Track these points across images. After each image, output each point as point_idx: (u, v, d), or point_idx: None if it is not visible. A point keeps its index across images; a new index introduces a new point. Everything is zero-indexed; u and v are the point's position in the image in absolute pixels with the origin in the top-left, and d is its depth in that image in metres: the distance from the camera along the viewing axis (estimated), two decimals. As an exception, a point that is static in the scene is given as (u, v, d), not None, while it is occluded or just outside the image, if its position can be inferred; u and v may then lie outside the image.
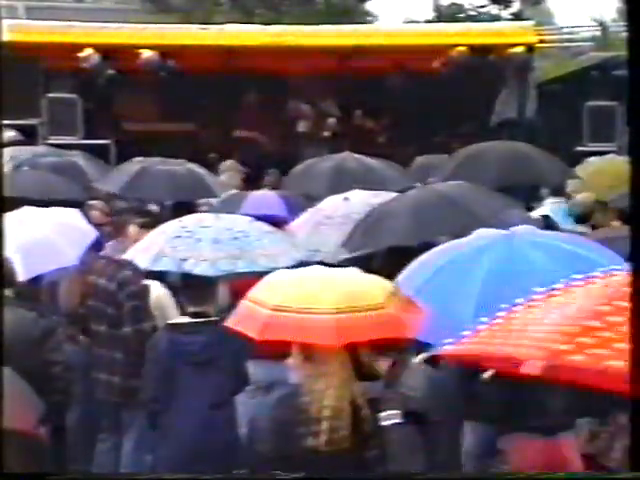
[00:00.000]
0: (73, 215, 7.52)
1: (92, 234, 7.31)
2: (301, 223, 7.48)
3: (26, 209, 7.14)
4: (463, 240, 5.06)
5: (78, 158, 10.48)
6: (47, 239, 6.82)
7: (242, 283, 5.67)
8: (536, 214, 8.18)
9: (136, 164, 9.30)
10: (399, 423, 4.50)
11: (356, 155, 9.47)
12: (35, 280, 6.47)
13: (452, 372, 5.00)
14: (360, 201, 7.47)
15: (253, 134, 14.37)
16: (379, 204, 7.05)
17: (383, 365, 4.62)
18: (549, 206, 8.52)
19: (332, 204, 7.59)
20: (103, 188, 9.11)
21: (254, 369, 6.02)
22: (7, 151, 9.69)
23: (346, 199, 7.55)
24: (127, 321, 6.45)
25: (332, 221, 7.29)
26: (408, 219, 6.62)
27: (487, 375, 4.91)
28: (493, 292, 4.36)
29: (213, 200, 9.11)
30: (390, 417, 4.48)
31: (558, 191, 9.21)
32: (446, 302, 4.62)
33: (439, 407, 4.78)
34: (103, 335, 6.58)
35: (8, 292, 5.99)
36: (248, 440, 4.84)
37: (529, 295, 3.22)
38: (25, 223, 6.71)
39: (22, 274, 6.12)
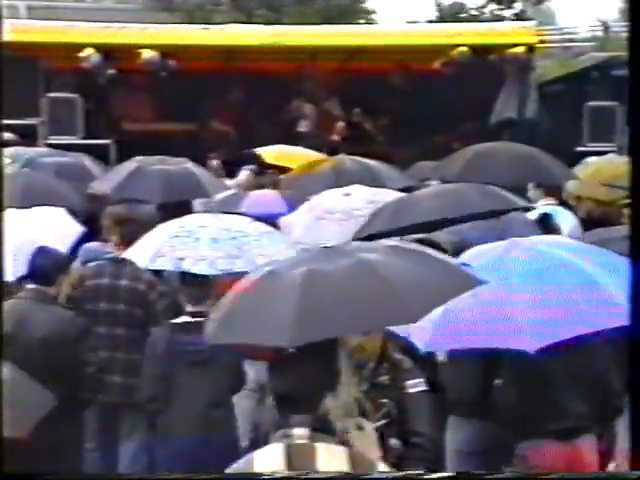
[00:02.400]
0: (58, 213, 7.53)
1: (78, 231, 7.31)
2: (298, 216, 7.50)
3: (11, 210, 7.14)
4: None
5: (84, 159, 10.44)
6: (33, 238, 6.82)
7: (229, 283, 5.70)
8: (533, 216, 8.17)
9: (132, 163, 9.26)
10: (425, 390, 4.62)
11: (351, 156, 9.47)
12: (21, 280, 6.44)
13: (471, 369, 5.06)
14: (361, 197, 7.52)
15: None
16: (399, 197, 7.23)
17: (371, 345, 4.72)
18: (542, 209, 8.50)
19: (332, 199, 7.62)
20: (99, 189, 9.09)
21: (247, 371, 6.03)
22: (7, 152, 9.65)
23: (347, 194, 7.59)
24: (163, 320, 6.37)
25: (332, 216, 7.33)
26: (443, 197, 6.72)
27: (499, 382, 4.96)
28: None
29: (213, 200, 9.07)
30: (416, 385, 4.60)
31: (551, 191, 9.21)
32: None
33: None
34: (120, 337, 6.52)
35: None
36: (252, 442, 4.85)
37: None
38: (10, 223, 6.70)
39: (9, 274, 6.12)
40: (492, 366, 5.02)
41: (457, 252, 5.39)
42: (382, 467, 3.43)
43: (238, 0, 23.45)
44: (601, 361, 4.91)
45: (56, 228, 7.32)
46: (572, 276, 4.33)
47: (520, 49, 13.84)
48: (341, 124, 14.45)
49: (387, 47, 14.13)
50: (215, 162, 12.34)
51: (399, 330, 4.49)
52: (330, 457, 3.24)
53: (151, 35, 14.13)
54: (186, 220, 6.25)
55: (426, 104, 14.12)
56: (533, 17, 20.43)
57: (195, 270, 5.79)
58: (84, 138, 13.43)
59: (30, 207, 7.56)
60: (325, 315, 3.36)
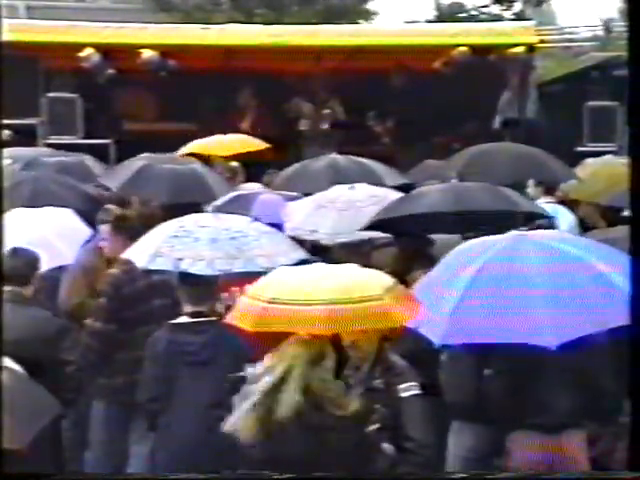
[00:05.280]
0: (67, 215, 7.53)
1: (86, 232, 7.32)
2: (301, 204, 7.63)
3: (20, 210, 7.15)
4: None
5: (86, 158, 10.43)
6: (43, 239, 6.82)
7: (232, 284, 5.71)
8: None
9: (141, 161, 9.25)
10: (417, 394, 4.60)
11: (344, 155, 9.49)
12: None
13: (467, 375, 5.05)
14: (365, 191, 7.63)
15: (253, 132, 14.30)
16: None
17: (366, 343, 4.72)
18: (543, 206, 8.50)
19: (337, 191, 7.77)
20: (106, 184, 9.10)
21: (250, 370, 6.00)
22: (8, 152, 9.64)
23: (352, 188, 7.73)
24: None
25: (333, 205, 7.48)
26: (447, 192, 6.85)
27: (489, 371, 4.95)
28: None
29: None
30: (409, 388, 4.58)
31: (549, 190, 9.22)
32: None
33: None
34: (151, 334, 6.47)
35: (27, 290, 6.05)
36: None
37: None
38: (20, 224, 6.71)
39: None
40: (486, 360, 5.02)
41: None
42: None
43: (238, 0, 23.43)
44: (594, 359, 4.88)
45: (65, 229, 7.34)
46: (585, 273, 4.33)
47: (520, 49, 13.83)
48: (327, 112, 14.43)
49: (387, 47, 14.12)
50: (234, 164, 12.26)
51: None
52: None
53: (151, 35, 14.14)
54: (186, 220, 6.23)
55: (426, 104, 14.12)
56: (533, 17, 20.41)
57: (193, 270, 5.78)
58: (84, 138, 13.44)
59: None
60: None
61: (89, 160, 10.34)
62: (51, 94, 13.54)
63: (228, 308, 6.01)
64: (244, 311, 4.60)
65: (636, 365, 3.89)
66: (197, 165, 9.31)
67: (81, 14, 18.52)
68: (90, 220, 7.70)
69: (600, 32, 18.98)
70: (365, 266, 5.05)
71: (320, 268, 4.77)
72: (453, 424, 5.45)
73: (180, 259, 5.83)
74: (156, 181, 8.86)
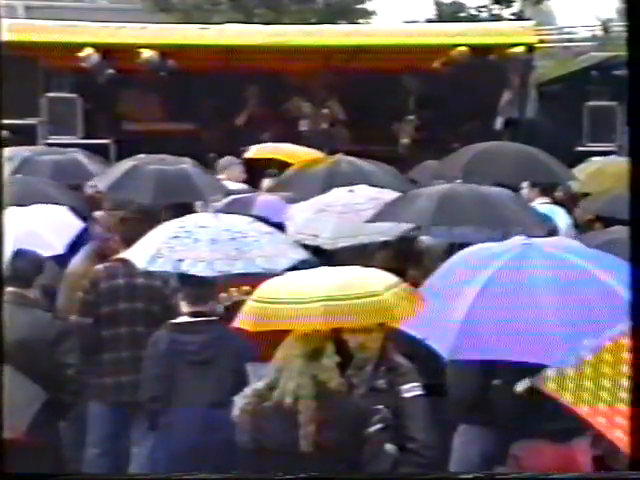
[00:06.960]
0: (58, 209, 7.52)
1: (78, 226, 7.32)
2: (302, 208, 7.61)
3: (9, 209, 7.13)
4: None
5: (79, 155, 10.41)
6: (31, 231, 6.83)
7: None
8: None
9: (130, 162, 9.24)
10: (421, 395, 4.60)
11: (349, 157, 9.46)
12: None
13: (468, 375, 5.03)
14: (364, 194, 7.59)
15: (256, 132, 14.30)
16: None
17: (372, 344, 4.72)
18: (538, 208, 8.50)
19: (336, 194, 7.74)
20: (98, 184, 9.11)
21: (251, 371, 6.01)
22: (5, 151, 9.63)
23: (351, 191, 7.70)
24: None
25: (333, 209, 7.46)
26: (434, 203, 6.77)
27: (498, 381, 4.94)
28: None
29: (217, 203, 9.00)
30: (413, 389, 4.58)
31: (544, 191, 9.22)
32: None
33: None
34: (139, 336, 6.48)
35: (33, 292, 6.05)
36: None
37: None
38: (10, 219, 6.69)
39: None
40: (491, 366, 5.00)
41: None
42: None
43: (237, 0, 23.43)
44: None
45: (55, 223, 7.34)
46: (592, 287, 4.33)
47: (520, 49, 13.83)
48: (325, 111, 14.43)
49: (387, 47, 14.12)
50: (229, 158, 12.23)
51: (415, 332, 4.47)
52: None
53: (150, 35, 14.14)
54: (186, 220, 6.23)
55: (426, 104, 14.12)
56: (532, 17, 20.41)
57: (193, 271, 5.78)
58: (84, 138, 13.43)
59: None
60: None
61: (83, 157, 10.32)
62: (51, 94, 13.55)
63: (227, 309, 6.05)
64: (246, 312, 4.64)
65: (636, 366, 3.89)
66: (187, 165, 9.30)
67: (80, 14, 18.49)
68: (84, 218, 7.72)
69: (599, 32, 18.96)
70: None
71: (321, 270, 4.79)
72: (459, 427, 5.44)
73: (180, 260, 5.83)
74: (143, 181, 8.85)
